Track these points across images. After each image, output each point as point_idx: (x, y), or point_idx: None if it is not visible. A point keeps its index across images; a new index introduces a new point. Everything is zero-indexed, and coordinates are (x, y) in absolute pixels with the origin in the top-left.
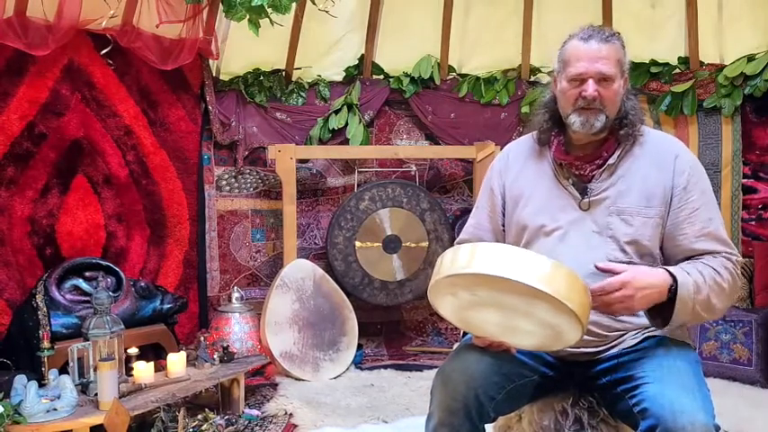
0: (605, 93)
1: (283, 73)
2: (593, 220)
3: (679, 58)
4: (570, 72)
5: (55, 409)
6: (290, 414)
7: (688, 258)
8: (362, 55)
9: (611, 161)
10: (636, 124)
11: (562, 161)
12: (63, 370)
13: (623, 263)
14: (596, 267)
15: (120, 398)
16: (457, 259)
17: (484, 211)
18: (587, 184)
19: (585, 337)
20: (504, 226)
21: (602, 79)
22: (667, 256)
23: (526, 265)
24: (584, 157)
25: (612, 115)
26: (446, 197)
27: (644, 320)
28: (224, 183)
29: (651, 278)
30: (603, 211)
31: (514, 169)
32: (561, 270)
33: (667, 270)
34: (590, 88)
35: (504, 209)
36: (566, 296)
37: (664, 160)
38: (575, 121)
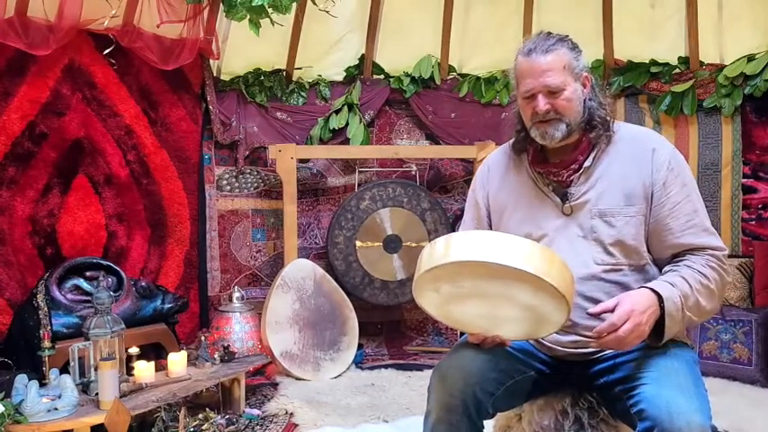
0: (558, 103)
1: (284, 73)
2: (578, 224)
3: (679, 57)
4: (521, 90)
5: (56, 409)
6: (291, 413)
7: (676, 255)
8: (363, 55)
9: (587, 164)
10: (606, 123)
11: (539, 170)
12: (64, 369)
13: (610, 264)
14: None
15: (120, 397)
16: (434, 253)
17: (470, 225)
18: (567, 189)
19: (583, 338)
20: None
21: (551, 92)
22: (655, 252)
23: (501, 247)
24: (560, 164)
25: (574, 120)
26: (446, 197)
27: None
28: (225, 182)
29: (645, 299)
30: (586, 215)
31: (495, 180)
32: (537, 247)
33: (650, 288)
34: (540, 103)
35: (489, 220)
36: (544, 271)
37: (641, 156)
38: (535, 134)
